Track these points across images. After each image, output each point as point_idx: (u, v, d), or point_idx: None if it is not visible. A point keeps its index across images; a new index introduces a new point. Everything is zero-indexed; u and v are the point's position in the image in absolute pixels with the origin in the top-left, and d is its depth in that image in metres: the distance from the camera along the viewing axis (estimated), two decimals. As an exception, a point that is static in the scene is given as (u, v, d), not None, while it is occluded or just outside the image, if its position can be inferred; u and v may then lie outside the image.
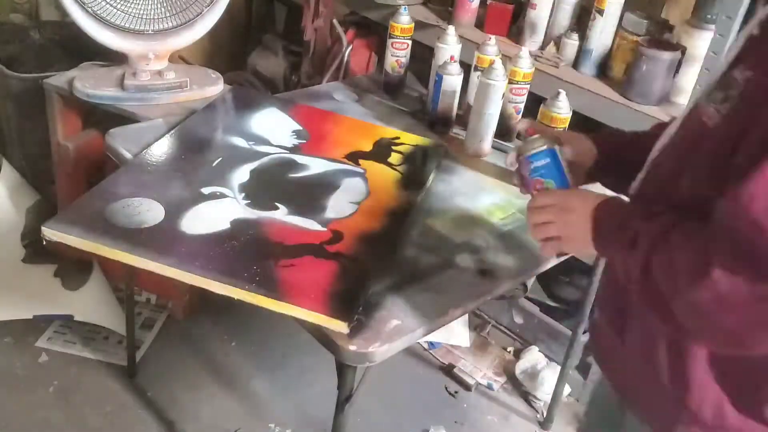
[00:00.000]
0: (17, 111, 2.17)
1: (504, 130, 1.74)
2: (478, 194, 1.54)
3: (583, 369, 2.16)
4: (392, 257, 1.28)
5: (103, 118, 1.89)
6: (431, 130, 1.79)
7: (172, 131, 1.57)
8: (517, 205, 1.49)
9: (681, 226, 0.84)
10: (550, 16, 1.99)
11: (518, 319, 2.34)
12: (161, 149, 1.49)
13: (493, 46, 1.76)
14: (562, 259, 1.36)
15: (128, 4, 1.75)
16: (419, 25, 1.99)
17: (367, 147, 1.62)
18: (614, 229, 0.94)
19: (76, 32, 1.78)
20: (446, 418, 2.09)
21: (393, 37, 1.89)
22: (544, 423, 2.14)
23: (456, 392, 2.20)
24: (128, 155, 1.49)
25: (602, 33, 1.87)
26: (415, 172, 1.55)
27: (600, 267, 1.70)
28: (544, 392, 2.18)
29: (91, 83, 1.81)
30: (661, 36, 1.82)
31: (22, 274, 2.15)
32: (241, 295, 1.11)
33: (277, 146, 1.57)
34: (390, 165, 1.56)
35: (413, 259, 1.30)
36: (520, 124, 1.42)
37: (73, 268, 2.15)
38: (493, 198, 1.53)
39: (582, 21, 1.95)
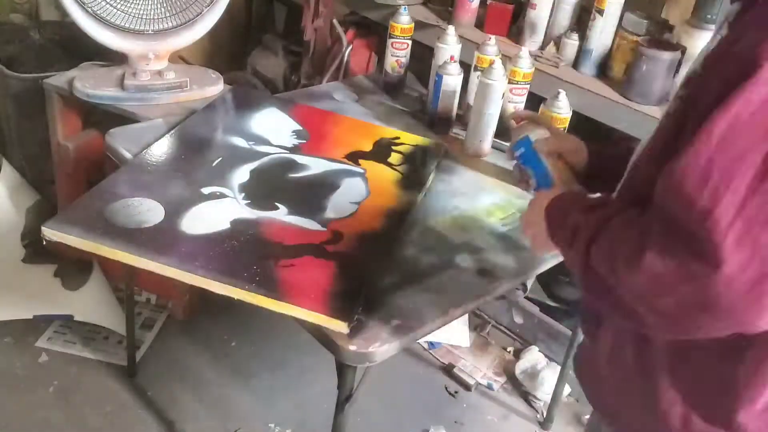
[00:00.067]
0: (17, 111, 2.17)
1: (504, 130, 1.74)
2: (478, 194, 1.54)
3: (583, 369, 2.16)
4: (391, 257, 1.28)
5: (103, 118, 1.89)
6: (431, 130, 1.79)
7: (172, 131, 1.57)
8: (517, 205, 1.49)
9: (622, 214, 0.83)
10: (550, 16, 1.98)
11: (518, 319, 2.34)
12: (161, 149, 1.49)
13: (493, 46, 1.76)
14: (562, 258, 1.35)
15: (128, 4, 1.75)
16: (419, 25, 1.99)
17: (367, 147, 1.62)
18: (559, 224, 0.95)
19: (76, 32, 1.78)
20: (446, 418, 2.09)
21: (393, 37, 1.89)
22: (544, 423, 2.14)
23: (456, 392, 2.20)
24: (128, 155, 1.49)
25: (602, 33, 1.87)
26: (415, 172, 1.55)
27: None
28: (544, 392, 2.18)
29: (91, 83, 1.81)
30: (661, 36, 1.82)
31: (22, 274, 2.15)
32: (241, 295, 1.12)
33: (277, 146, 1.57)
34: (390, 165, 1.56)
35: (413, 259, 1.30)
36: (511, 115, 1.44)
37: (73, 268, 2.15)
38: (493, 198, 1.53)
39: (582, 21, 1.95)
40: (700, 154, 0.72)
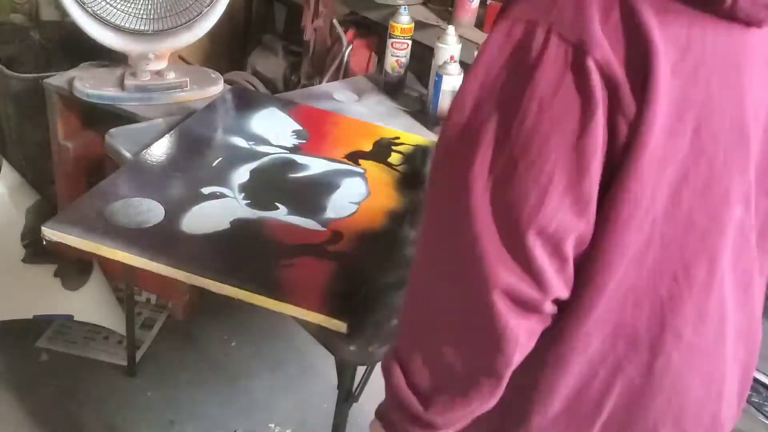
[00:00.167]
0: (17, 111, 2.16)
1: (504, 130, 1.74)
2: (478, 194, 1.54)
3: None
4: (391, 257, 1.28)
5: (103, 118, 1.89)
6: (431, 130, 1.79)
7: (172, 131, 1.57)
8: (517, 205, 1.48)
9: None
10: (550, 16, 1.98)
11: (518, 319, 2.33)
12: (161, 149, 1.49)
13: (493, 46, 1.76)
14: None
15: (128, 4, 1.75)
16: (419, 25, 1.98)
17: (367, 147, 1.62)
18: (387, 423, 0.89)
19: (76, 32, 1.78)
20: (446, 418, 2.09)
21: (393, 37, 1.89)
22: (544, 423, 2.13)
23: (456, 392, 2.19)
24: (128, 155, 1.49)
25: (602, 33, 1.87)
26: (415, 172, 1.55)
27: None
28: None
29: (91, 83, 1.81)
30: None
31: (22, 274, 2.14)
32: (241, 295, 1.12)
33: (277, 146, 1.57)
34: (390, 165, 1.56)
35: (413, 259, 1.30)
36: None
37: (73, 268, 2.15)
38: (493, 198, 1.53)
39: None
40: None
